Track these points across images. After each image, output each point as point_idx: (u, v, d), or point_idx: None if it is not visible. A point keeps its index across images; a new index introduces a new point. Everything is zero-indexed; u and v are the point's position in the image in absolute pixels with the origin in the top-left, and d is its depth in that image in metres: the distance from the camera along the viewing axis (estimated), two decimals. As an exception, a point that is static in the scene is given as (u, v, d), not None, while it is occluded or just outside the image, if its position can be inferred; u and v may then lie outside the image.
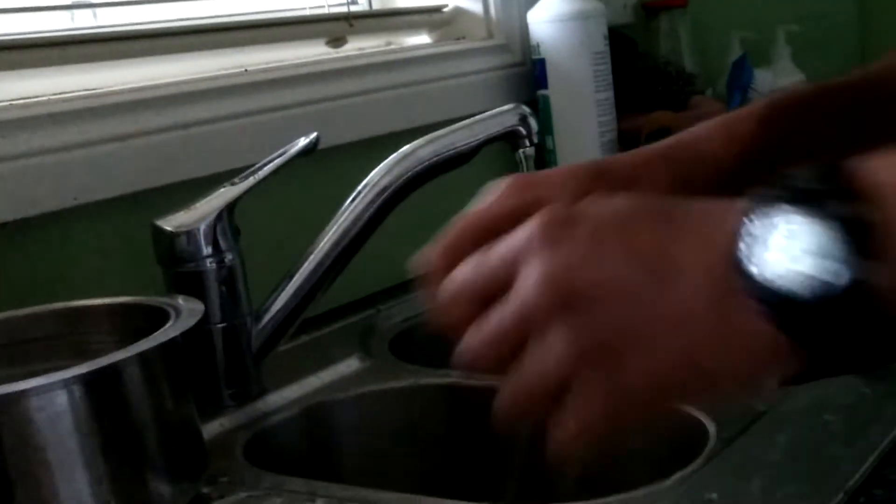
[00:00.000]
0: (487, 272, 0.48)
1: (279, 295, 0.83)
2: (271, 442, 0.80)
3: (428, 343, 1.03)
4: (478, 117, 0.88)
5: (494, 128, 0.88)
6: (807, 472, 0.61)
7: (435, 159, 0.86)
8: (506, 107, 0.90)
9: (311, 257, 0.83)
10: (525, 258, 0.46)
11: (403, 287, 1.13)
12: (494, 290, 0.47)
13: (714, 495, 0.60)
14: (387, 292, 1.11)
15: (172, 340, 0.63)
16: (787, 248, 0.40)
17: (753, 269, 0.40)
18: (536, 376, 0.46)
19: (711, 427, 0.70)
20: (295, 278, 0.83)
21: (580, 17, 1.24)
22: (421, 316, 1.05)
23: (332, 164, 1.05)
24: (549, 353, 0.45)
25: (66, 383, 0.58)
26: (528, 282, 0.45)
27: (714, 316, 0.42)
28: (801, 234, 0.39)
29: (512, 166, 1.28)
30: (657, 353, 0.44)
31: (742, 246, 0.41)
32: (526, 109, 0.89)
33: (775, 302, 0.40)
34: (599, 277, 0.44)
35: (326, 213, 0.86)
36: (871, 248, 0.38)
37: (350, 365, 0.91)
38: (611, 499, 0.62)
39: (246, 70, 1.03)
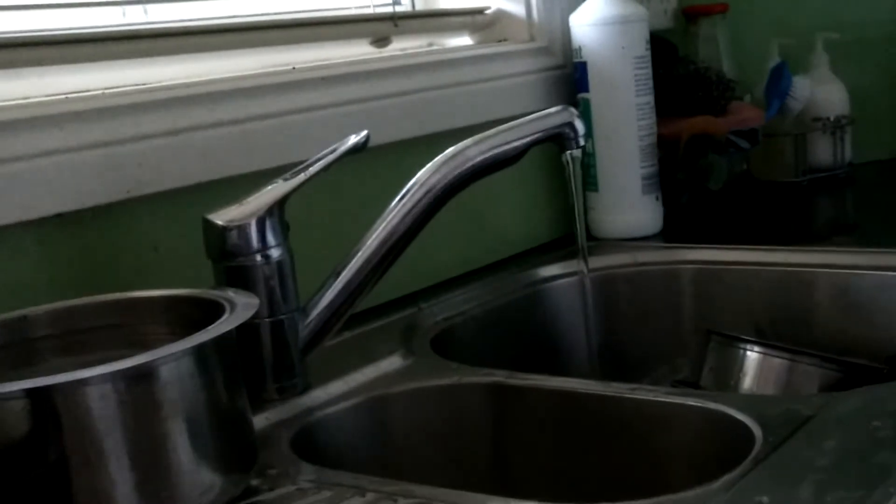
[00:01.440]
0: None
1: (326, 291, 0.84)
2: (317, 436, 0.80)
3: (469, 341, 1.04)
4: (526, 118, 0.89)
5: (542, 129, 0.88)
6: (856, 477, 0.61)
7: (483, 159, 0.86)
8: (554, 108, 0.90)
9: (359, 254, 0.84)
10: None
11: (445, 285, 1.14)
12: None
13: (765, 498, 0.60)
14: (428, 290, 1.12)
15: (228, 333, 0.64)
16: None
17: None
18: None
19: (758, 431, 0.71)
20: (342, 275, 0.84)
21: (622, 21, 1.24)
22: (462, 314, 1.06)
23: (376, 163, 1.06)
24: None
25: (123, 373, 0.59)
26: None
27: None
28: None
29: (557, 167, 1.30)
30: None
31: None
32: (574, 111, 0.90)
33: None
34: None
35: (372, 210, 0.86)
36: None
37: (393, 362, 0.91)
38: (662, 498, 0.62)
39: (294, 68, 1.04)
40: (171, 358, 0.60)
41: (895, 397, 0.73)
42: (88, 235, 0.84)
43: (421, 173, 0.86)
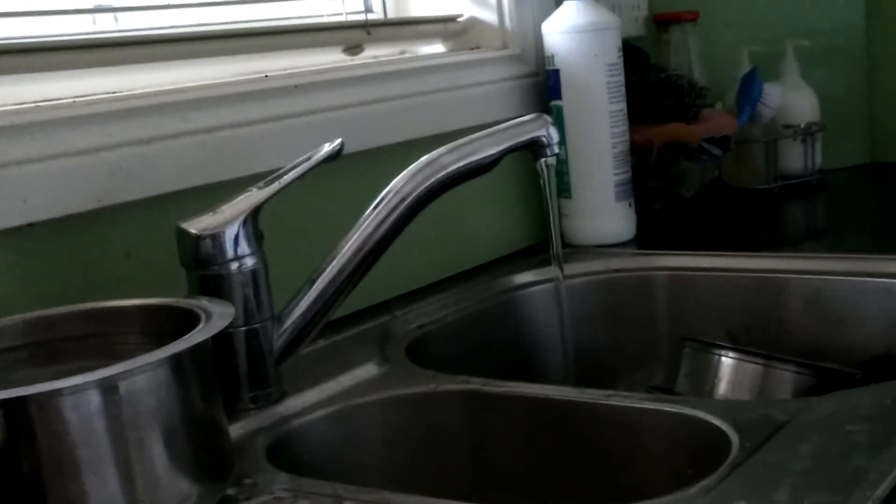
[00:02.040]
0: None
1: (301, 299, 0.83)
2: (293, 445, 0.80)
3: (444, 349, 1.04)
4: (500, 126, 0.89)
5: (518, 137, 0.88)
6: (834, 481, 0.62)
7: (457, 167, 0.86)
8: (528, 116, 0.90)
9: (334, 262, 0.84)
10: None
11: (418, 293, 1.14)
12: None
13: (742, 503, 0.60)
14: (401, 298, 1.12)
15: (203, 343, 0.64)
16: None
17: None
18: None
19: (734, 436, 0.71)
20: (317, 283, 0.84)
21: (595, 29, 1.24)
22: (435, 322, 1.06)
23: (350, 171, 1.05)
24: None
25: (99, 383, 0.59)
26: None
27: None
28: None
29: (530, 174, 1.30)
30: None
31: None
32: (548, 119, 0.90)
33: None
34: None
35: (346, 218, 0.86)
36: None
37: (368, 370, 0.91)
38: (639, 505, 0.62)
39: (267, 76, 1.03)
40: (146, 368, 0.60)
41: (870, 402, 0.74)
42: (60, 245, 0.83)
43: (395, 181, 0.85)
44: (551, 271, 1.14)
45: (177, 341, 0.62)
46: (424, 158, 0.86)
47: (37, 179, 0.81)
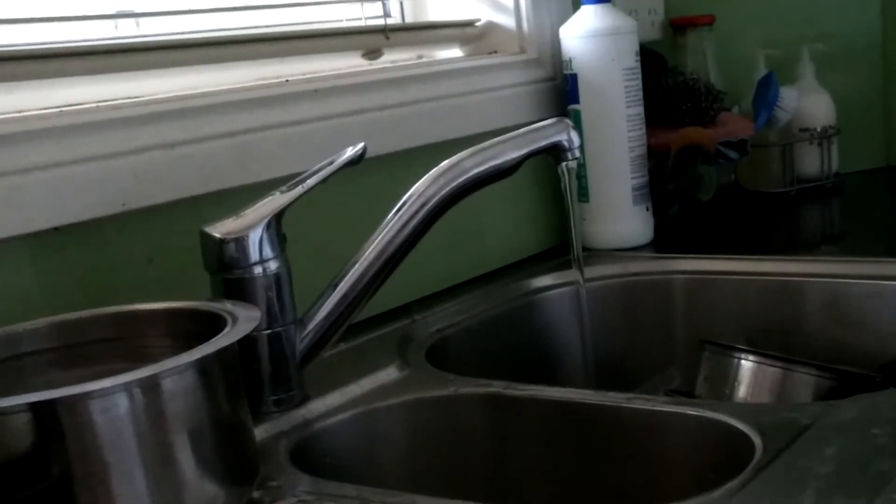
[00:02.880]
0: None
1: (324, 303, 0.84)
2: (315, 448, 0.80)
3: (463, 353, 1.04)
4: (521, 130, 0.89)
5: (539, 141, 0.89)
6: (859, 484, 0.62)
7: (479, 171, 0.87)
8: (549, 120, 0.91)
9: (356, 266, 0.84)
10: None
11: (437, 297, 1.14)
12: None
13: (767, 506, 0.60)
14: (421, 301, 1.12)
15: (230, 346, 0.64)
16: None
17: None
18: None
19: (757, 439, 0.71)
20: (339, 287, 0.84)
21: (612, 33, 1.25)
22: (455, 326, 1.07)
23: (370, 175, 1.06)
24: None
25: (127, 386, 0.59)
26: None
27: None
28: None
29: (548, 178, 1.30)
30: None
31: None
32: (569, 123, 0.90)
33: None
34: None
35: (368, 222, 0.86)
36: None
37: (389, 373, 0.91)
38: (663, 508, 0.62)
39: (287, 80, 1.04)
40: (175, 371, 0.60)
41: (893, 404, 0.74)
42: (84, 249, 0.84)
43: (418, 185, 0.86)
44: (570, 275, 1.14)
45: (204, 344, 0.62)
46: (446, 162, 0.87)
47: (62, 184, 0.82)
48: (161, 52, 0.98)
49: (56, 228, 0.81)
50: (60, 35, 0.95)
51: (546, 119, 0.92)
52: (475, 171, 0.87)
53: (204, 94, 0.95)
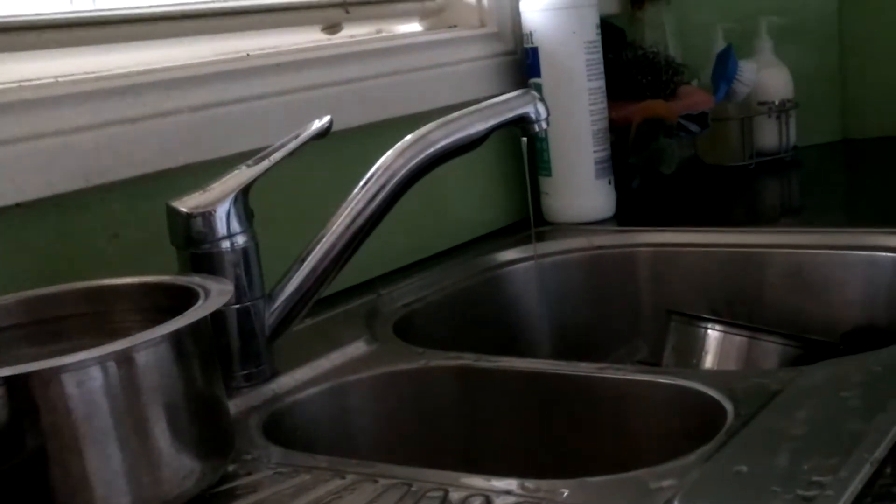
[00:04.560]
0: None
1: (292, 277, 0.83)
2: (287, 422, 0.80)
3: (430, 326, 1.04)
4: (488, 102, 0.89)
5: (505, 113, 0.88)
6: (832, 444, 0.62)
7: (446, 143, 0.86)
8: (516, 92, 0.90)
9: (324, 240, 0.84)
10: None
11: (402, 272, 1.14)
12: None
13: (743, 468, 0.61)
14: (385, 276, 1.12)
15: (203, 319, 0.64)
16: None
17: None
18: None
19: (728, 405, 0.71)
20: (307, 261, 0.83)
21: (573, 6, 1.25)
22: (421, 300, 1.06)
23: (336, 150, 1.05)
24: None
25: (102, 359, 0.58)
26: None
27: None
28: None
29: (511, 152, 1.30)
30: None
31: None
32: (536, 95, 0.90)
33: None
34: None
35: (335, 196, 0.86)
36: None
37: (358, 347, 0.91)
38: (640, 472, 0.62)
39: (248, 55, 1.03)
40: (148, 344, 0.60)
41: (861, 370, 0.75)
42: (48, 225, 0.83)
43: (384, 158, 0.85)
44: (531, 249, 1.15)
45: (179, 317, 0.62)
46: (413, 135, 0.86)
47: (24, 159, 0.80)
48: (118, 27, 0.96)
49: (18, 205, 0.80)
50: (15, 8, 0.94)
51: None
52: (442, 143, 0.86)
53: (164, 69, 0.94)
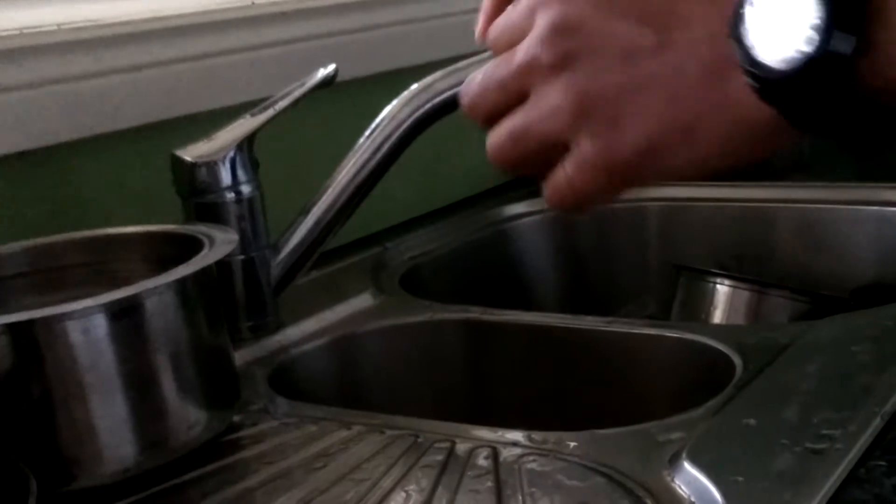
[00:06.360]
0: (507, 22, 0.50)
1: (297, 228, 0.82)
2: (293, 374, 0.80)
3: (436, 280, 1.03)
4: (496, 51, 0.88)
5: (514, 61, 0.87)
6: (841, 398, 0.62)
7: (453, 93, 0.85)
8: (525, 41, 0.89)
9: (329, 191, 0.83)
10: (540, 8, 0.47)
11: (408, 225, 1.13)
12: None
13: (752, 421, 0.60)
14: (391, 230, 1.11)
15: (208, 268, 0.63)
16: (776, 18, 0.41)
17: (747, 38, 0.41)
18: (531, 122, 0.48)
19: (737, 359, 0.71)
20: (313, 212, 0.83)
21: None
22: (427, 254, 1.06)
23: (341, 99, 1.04)
24: (546, 104, 0.46)
25: (107, 307, 0.58)
26: (536, 32, 0.47)
27: (708, 81, 0.44)
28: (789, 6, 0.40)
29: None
30: (651, 112, 0.45)
31: (743, 12, 0.42)
32: (545, 44, 0.88)
33: (759, 71, 0.41)
34: (604, 28, 0.45)
35: (340, 147, 0.85)
36: (853, 23, 0.40)
37: (364, 300, 0.90)
38: (648, 424, 0.62)
39: (253, 3, 1.02)
40: (154, 291, 0.59)
41: (872, 324, 0.74)
42: (53, 174, 0.82)
43: (390, 108, 0.84)
44: (541, 203, 1.13)
45: (184, 265, 0.61)
46: (418, 84, 0.85)
47: (27, 107, 0.79)
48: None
49: (22, 153, 0.79)
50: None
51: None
52: (449, 92, 0.84)
53: (168, 17, 0.93)
